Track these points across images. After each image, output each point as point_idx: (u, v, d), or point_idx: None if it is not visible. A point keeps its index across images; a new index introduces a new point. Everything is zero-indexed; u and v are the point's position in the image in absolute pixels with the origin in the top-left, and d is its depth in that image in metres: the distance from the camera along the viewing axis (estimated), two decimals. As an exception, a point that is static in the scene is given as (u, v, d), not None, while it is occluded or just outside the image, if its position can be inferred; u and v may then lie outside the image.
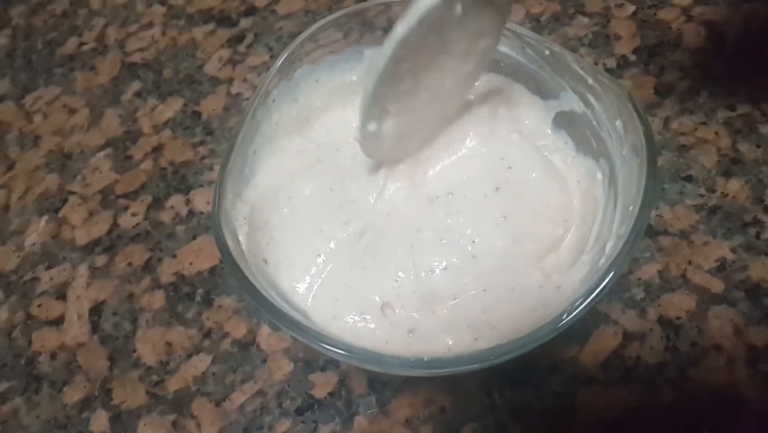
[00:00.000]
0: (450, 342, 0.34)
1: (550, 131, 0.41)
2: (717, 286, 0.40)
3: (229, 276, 0.46)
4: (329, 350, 0.29)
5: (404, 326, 0.34)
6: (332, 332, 0.31)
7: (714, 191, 0.44)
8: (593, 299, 0.29)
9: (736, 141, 0.46)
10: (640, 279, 0.41)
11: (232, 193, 0.37)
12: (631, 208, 0.32)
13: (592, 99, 0.37)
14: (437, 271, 0.36)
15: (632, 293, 0.41)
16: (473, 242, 0.37)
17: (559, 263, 0.37)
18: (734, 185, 0.44)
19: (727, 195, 0.44)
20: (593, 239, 0.36)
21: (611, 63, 0.52)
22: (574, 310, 0.29)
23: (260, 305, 0.31)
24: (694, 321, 0.39)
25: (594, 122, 0.38)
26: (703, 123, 0.47)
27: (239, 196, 0.38)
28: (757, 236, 0.42)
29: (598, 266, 0.33)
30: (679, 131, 0.47)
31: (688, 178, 0.45)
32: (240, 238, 0.36)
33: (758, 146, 0.45)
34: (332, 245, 0.38)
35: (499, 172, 0.39)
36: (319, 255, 0.37)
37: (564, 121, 0.41)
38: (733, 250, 0.42)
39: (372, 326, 0.34)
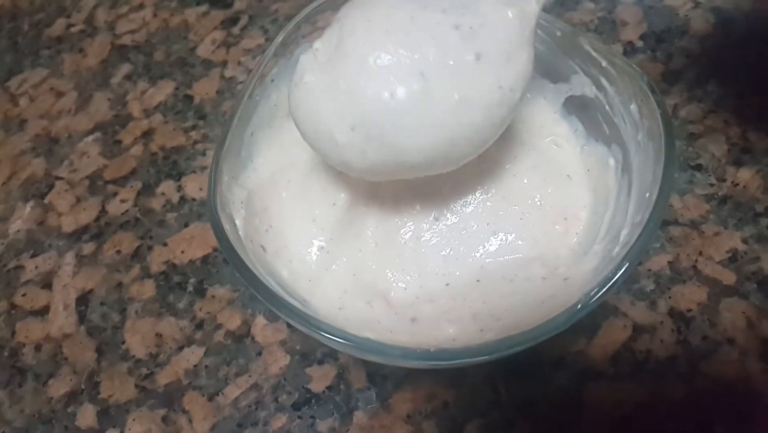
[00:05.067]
0: (452, 331, 0.32)
1: (559, 117, 0.40)
2: (728, 277, 0.39)
3: (223, 265, 0.44)
4: (333, 340, 0.27)
5: (407, 315, 0.33)
6: (337, 322, 0.29)
7: (724, 181, 0.43)
8: (610, 288, 0.28)
9: (746, 130, 0.45)
10: (650, 270, 0.40)
11: (229, 177, 0.35)
12: (647, 195, 0.31)
13: (605, 82, 0.36)
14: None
15: (642, 284, 0.39)
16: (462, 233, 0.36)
17: (566, 256, 0.35)
18: (745, 175, 0.43)
19: (737, 184, 0.43)
20: (605, 228, 0.35)
21: (618, 49, 0.51)
22: (591, 299, 0.27)
23: (258, 292, 0.29)
24: (706, 314, 0.38)
25: (607, 107, 0.36)
26: (712, 111, 0.46)
27: (236, 180, 0.36)
28: (769, 226, 0.41)
29: (611, 255, 0.31)
30: (687, 119, 0.46)
31: (698, 168, 0.44)
32: (237, 222, 0.34)
33: (769, 135, 0.44)
34: (332, 234, 0.37)
35: None
36: (321, 247, 0.36)
37: (574, 106, 0.39)
38: (745, 241, 0.40)
39: (377, 315, 0.33)
